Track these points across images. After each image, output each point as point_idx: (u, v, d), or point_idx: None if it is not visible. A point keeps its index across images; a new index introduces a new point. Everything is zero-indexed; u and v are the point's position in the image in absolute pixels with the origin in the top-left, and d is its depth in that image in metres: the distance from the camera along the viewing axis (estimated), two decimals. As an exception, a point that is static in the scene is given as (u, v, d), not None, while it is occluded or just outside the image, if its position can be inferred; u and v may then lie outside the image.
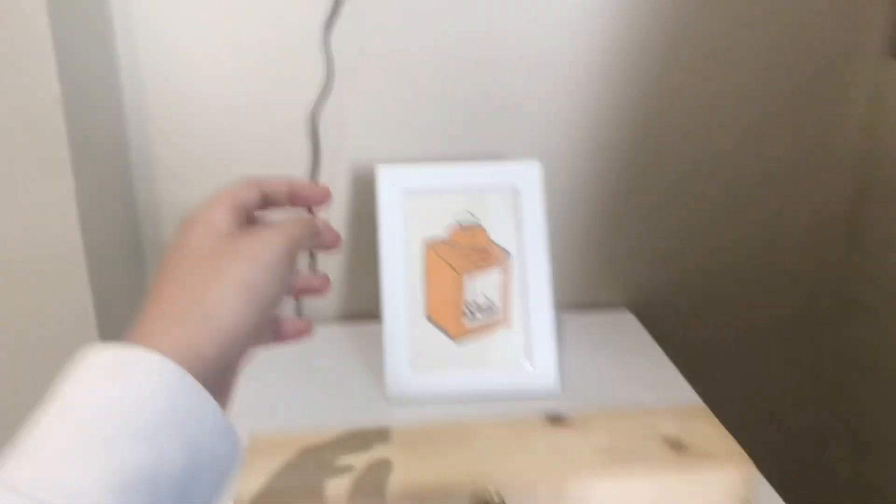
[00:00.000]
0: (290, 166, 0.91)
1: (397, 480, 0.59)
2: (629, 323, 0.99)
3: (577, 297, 1.03)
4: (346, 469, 0.60)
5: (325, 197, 0.49)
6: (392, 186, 0.83)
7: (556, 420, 0.68)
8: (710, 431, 0.66)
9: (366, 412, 0.78)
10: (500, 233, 0.84)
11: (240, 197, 0.44)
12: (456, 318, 0.82)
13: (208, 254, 0.40)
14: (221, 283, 0.39)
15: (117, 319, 0.83)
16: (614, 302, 1.03)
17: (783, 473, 0.62)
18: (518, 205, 0.84)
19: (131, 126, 0.88)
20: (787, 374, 1.10)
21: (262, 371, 0.85)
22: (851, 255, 1.04)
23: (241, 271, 0.39)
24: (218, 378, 0.38)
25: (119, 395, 0.33)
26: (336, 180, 0.93)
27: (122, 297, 0.86)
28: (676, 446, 0.64)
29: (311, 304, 0.98)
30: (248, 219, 0.44)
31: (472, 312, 0.82)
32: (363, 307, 0.99)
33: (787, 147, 0.98)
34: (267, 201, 0.46)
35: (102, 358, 0.35)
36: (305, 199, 0.48)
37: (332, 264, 0.96)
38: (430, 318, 0.82)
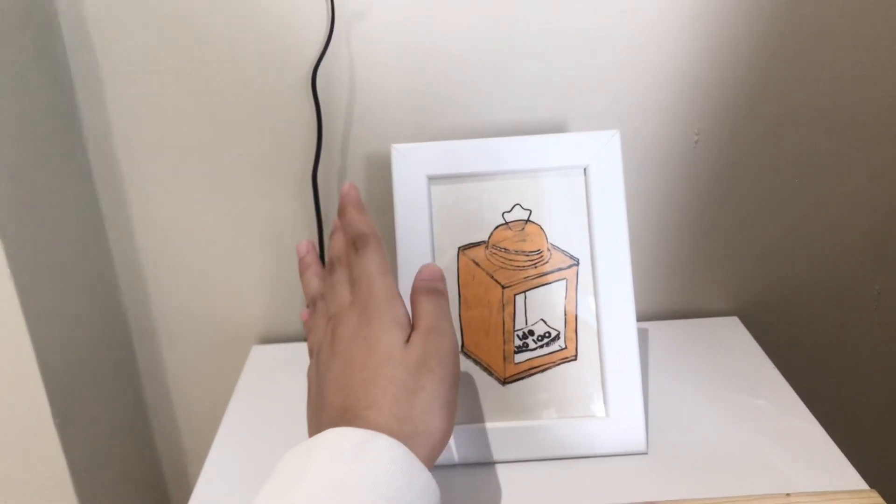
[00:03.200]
0: (292, 148, 0.70)
1: None
2: (737, 336, 0.75)
3: (664, 305, 0.79)
4: None
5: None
6: (411, 172, 0.60)
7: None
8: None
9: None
10: (562, 231, 0.61)
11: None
12: (503, 351, 0.60)
13: (403, 361, 0.45)
14: (422, 399, 0.44)
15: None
16: (717, 308, 0.79)
17: None
18: (588, 192, 0.60)
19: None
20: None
21: (254, 404, 0.66)
22: None
23: (440, 392, 0.45)
24: None
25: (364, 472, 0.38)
26: (345, 165, 0.71)
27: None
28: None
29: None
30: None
31: (524, 343, 0.60)
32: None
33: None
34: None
35: (347, 439, 0.39)
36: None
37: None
38: (466, 352, 0.60)
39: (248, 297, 0.77)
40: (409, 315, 0.47)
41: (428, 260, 0.60)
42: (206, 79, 0.68)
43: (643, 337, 0.75)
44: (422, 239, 0.60)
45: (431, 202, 0.60)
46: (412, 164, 0.60)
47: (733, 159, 0.73)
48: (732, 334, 0.76)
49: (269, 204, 0.73)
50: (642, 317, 0.77)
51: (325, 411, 0.44)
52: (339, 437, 0.39)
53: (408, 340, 0.45)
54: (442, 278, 0.50)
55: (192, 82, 0.68)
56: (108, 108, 0.69)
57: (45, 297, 0.63)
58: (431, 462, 0.43)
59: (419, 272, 0.50)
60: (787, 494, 0.46)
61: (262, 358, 0.75)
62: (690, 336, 0.75)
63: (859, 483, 0.52)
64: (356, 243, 0.50)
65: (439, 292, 0.49)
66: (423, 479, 0.39)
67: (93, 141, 0.70)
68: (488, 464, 0.58)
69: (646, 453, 0.59)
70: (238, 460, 0.61)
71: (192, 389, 0.80)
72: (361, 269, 0.48)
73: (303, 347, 0.75)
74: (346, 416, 0.42)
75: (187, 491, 0.84)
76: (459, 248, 0.60)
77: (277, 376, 0.72)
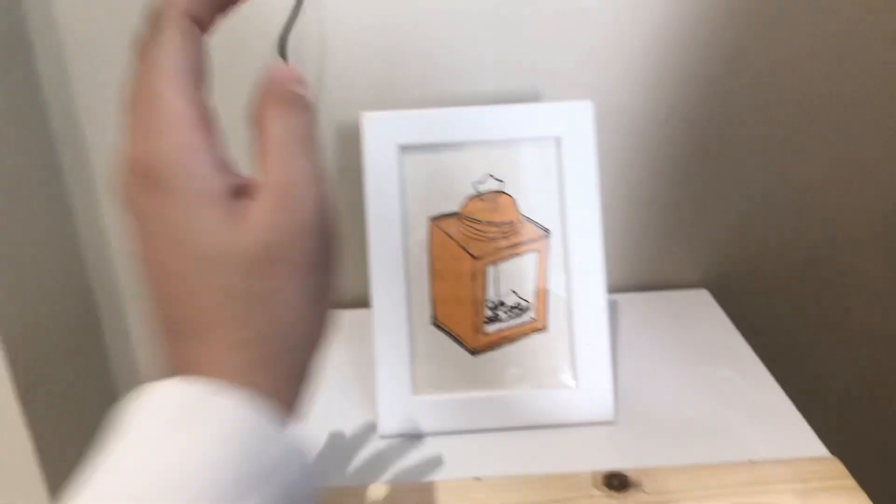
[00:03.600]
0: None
1: None
2: (706, 308, 0.76)
3: (635, 276, 0.79)
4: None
5: None
6: (382, 141, 0.59)
7: (615, 484, 0.46)
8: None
9: (350, 454, 0.57)
10: (534, 203, 0.61)
11: (199, 94, 0.30)
12: (473, 323, 0.60)
13: (233, 258, 0.28)
14: (276, 305, 0.29)
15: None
16: (686, 281, 0.80)
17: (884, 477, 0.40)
18: (561, 163, 0.60)
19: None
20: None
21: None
22: None
23: (303, 286, 0.29)
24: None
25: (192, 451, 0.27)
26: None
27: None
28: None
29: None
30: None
31: (495, 314, 0.60)
32: (357, 293, 0.77)
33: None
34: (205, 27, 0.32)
35: (170, 400, 0.28)
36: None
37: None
38: (438, 324, 0.60)
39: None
40: (228, 169, 0.30)
41: (399, 232, 0.59)
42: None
43: (613, 308, 0.75)
44: (393, 209, 0.59)
45: (403, 172, 0.60)
46: (383, 133, 0.59)
47: (702, 135, 0.73)
48: (701, 306, 0.76)
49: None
50: (612, 288, 0.77)
51: (156, 323, 0.31)
52: (160, 403, 0.28)
53: (243, 212, 0.29)
54: (299, 80, 0.31)
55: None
56: (70, 70, 0.67)
57: (6, 261, 0.62)
58: (303, 384, 0.31)
59: (268, 75, 0.31)
60: (751, 462, 0.47)
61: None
62: (659, 308, 0.76)
63: (822, 451, 0.53)
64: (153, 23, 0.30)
65: (296, 103, 0.31)
66: (278, 449, 0.29)
67: (51, 92, 0.68)
68: (458, 433, 0.59)
69: (614, 422, 0.59)
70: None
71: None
72: (143, 79, 0.29)
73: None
74: (176, 348, 0.30)
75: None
76: (431, 218, 0.60)
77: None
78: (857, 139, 0.74)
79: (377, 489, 0.46)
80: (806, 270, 0.80)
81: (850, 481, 0.45)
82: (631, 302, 0.77)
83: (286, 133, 0.30)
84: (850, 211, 0.78)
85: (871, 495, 0.45)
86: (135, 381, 0.80)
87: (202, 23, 0.31)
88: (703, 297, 0.78)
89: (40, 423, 0.65)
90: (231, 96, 0.69)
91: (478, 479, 0.46)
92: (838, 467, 0.47)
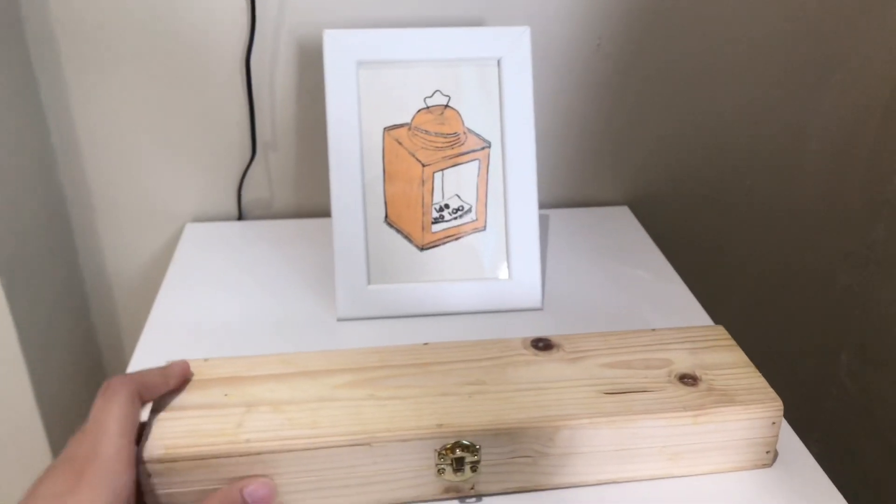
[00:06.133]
0: (225, 31, 0.74)
1: (341, 423, 0.46)
2: (627, 222, 0.85)
3: (565, 194, 0.88)
4: (277, 408, 0.47)
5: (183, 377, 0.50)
6: (341, 56, 0.66)
7: (540, 346, 0.55)
8: (729, 360, 0.54)
9: (310, 333, 0.65)
10: (477, 117, 0.68)
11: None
12: (421, 222, 0.68)
13: None
14: None
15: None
16: (610, 199, 0.89)
17: (787, 387, 0.51)
18: (501, 82, 0.68)
19: None
20: (798, 281, 0.98)
21: (188, 278, 0.72)
22: (883, 153, 0.90)
23: None
24: None
25: None
26: (278, 49, 0.76)
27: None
28: (689, 381, 0.51)
29: (257, 199, 0.83)
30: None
31: (440, 214, 0.68)
32: (316, 203, 0.84)
33: (822, 35, 0.82)
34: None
35: None
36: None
37: (279, 153, 0.81)
38: (389, 222, 0.68)
39: (182, 179, 0.81)
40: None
41: (356, 140, 0.66)
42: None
43: (544, 222, 0.84)
44: (351, 119, 0.66)
45: (360, 86, 0.67)
46: (343, 50, 0.66)
47: (627, 67, 0.82)
48: (622, 221, 0.86)
49: (203, 89, 0.77)
50: (543, 205, 0.86)
51: None
52: None
53: None
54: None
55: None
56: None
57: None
58: None
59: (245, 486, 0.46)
60: (653, 330, 0.57)
61: (195, 235, 0.81)
62: (585, 222, 0.85)
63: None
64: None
65: None
66: None
67: (32, 25, 0.72)
68: (406, 317, 0.67)
69: (541, 309, 0.68)
70: (171, 331, 0.66)
71: (128, 266, 0.85)
72: (89, 434, 0.43)
73: (234, 226, 0.82)
74: None
75: (122, 363, 0.90)
76: (385, 128, 0.67)
77: (209, 251, 0.78)
78: (762, 76, 0.84)
79: (331, 352, 0.53)
80: (715, 191, 0.91)
81: (731, 342, 0.55)
82: (559, 217, 0.86)
83: None
84: (755, 140, 0.88)
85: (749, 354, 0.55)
86: (103, 278, 0.86)
87: (143, 398, 0.46)
88: (625, 213, 0.87)
89: (20, 306, 0.71)
90: (194, 12, 0.73)
91: (426, 343, 0.54)
92: (722, 332, 0.57)
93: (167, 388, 0.48)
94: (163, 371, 0.48)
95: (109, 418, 0.42)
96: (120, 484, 0.41)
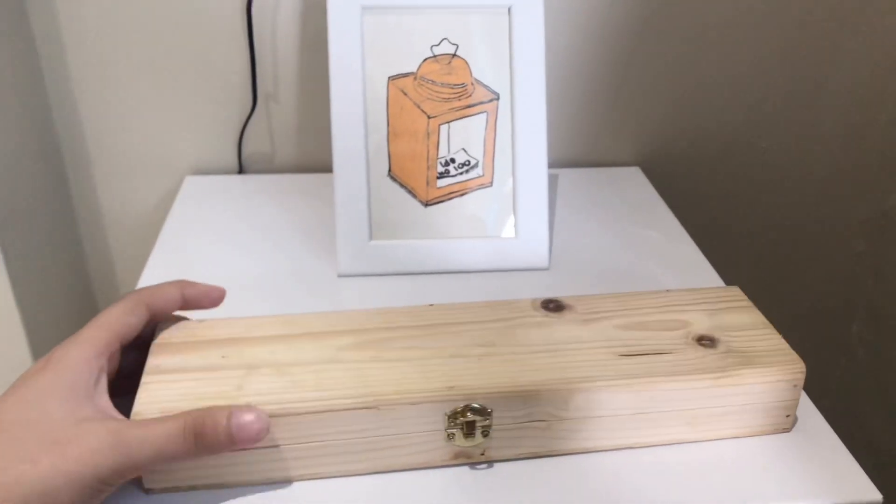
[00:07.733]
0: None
1: (347, 385, 0.44)
2: (638, 183, 0.83)
3: (574, 154, 0.86)
4: (279, 370, 0.45)
5: (219, 300, 0.49)
6: (344, 1, 0.63)
7: (551, 307, 0.52)
8: (747, 321, 0.51)
9: (310, 290, 0.63)
10: (486, 67, 0.65)
11: (118, 332, 0.43)
12: (426, 177, 0.65)
13: (43, 425, 0.38)
14: (45, 470, 0.37)
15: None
16: (621, 159, 0.87)
17: (797, 353, 0.48)
18: (511, 31, 0.65)
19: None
20: (811, 246, 0.96)
21: (186, 232, 0.69)
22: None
23: (58, 477, 0.37)
24: None
25: None
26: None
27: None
28: (707, 342, 0.49)
29: (258, 153, 0.80)
30: (129, 344, 0.45)
31: (446, 169, 0.65)
32: (318, 158, 0.81)
33: None
34: (156, 317, 0.46)
35: None
36: (199, 303, 0.48)
37: (281, 105, 0.78)
38: (393, 176, 0.65)
39: (181, 131, 0.79)
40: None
41: (359, 89, 0.63)
42: None
43: (552, 182, 0.81)
44: (354, 67, 0.63)
45: (364, 32, 0.63)
46: (346, -6, 0.63)
47: (643, 26, 0.79)
48: (634, 182, 0.83)
49: (203, 39, 0.74)
50: (553, 164, 0.84)
51: None
52: None
53: None
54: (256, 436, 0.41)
55: None
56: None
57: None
58: None
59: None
60: (667, 291, 0.54)
61: (194, 188, 0.78)
62: (596, 181, 0.82)
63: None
64: None
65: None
66: None
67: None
68: (409, 274, 0.64)
69: (548, 268, 0.66)
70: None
71: (125, 219, 0.83)
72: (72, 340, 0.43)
73: (234, 179, 0.79)
74: None
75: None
76: (390, 77, 0.64)
77: (208, 205, 0.75)
78: (778, 36, 0.81)
79: (334, 313, 0.51)
80: (729, 153, 0.88)
81: (748, 302, 0.53)
82: (569, 176, 0.83)
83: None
84: (770, 102, 0.85)
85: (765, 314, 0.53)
86: (101, 228, 0.83)
87: (152, 309, 0.46)
88: (636, 173, 0.85)
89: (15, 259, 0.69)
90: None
91: (431, 305, 0.52)
92: (738, 293, 0.54)
93: (179, 302, 0.47)
94: (178, 283, 0.48)
95: (103, 313, 0.43)
96: (83, 366, 0.41)
